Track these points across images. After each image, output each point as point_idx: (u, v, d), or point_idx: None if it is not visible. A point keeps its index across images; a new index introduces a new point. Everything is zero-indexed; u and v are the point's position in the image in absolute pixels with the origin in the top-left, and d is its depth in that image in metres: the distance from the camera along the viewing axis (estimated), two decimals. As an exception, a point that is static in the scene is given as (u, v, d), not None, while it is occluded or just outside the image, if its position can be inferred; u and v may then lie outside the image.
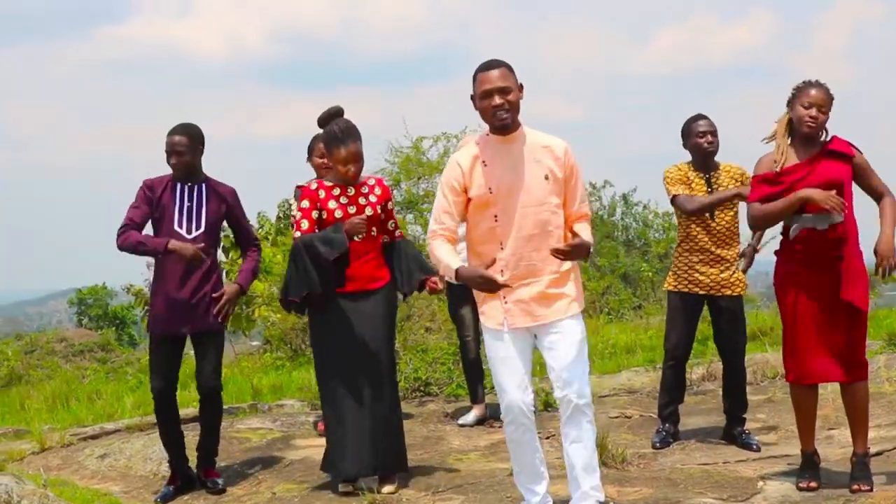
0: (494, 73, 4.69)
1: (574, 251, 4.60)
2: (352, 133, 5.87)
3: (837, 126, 5.48)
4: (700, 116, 6.61)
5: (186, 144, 6.02)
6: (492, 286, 4.57)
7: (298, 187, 6.81)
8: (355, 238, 5.81)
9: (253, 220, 15.71)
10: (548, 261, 4.74)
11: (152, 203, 6.06)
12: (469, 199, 4.79)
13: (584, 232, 4.77)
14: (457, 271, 4.63)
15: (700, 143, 6.54)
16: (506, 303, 4.76)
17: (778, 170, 5.43)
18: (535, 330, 4.80)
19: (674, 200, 6.53)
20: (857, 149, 5.45)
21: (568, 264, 4.80)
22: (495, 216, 4.75)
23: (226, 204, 6.16)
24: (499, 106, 4.67)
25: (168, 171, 6.12)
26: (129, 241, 5.96)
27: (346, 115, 5.99)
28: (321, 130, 6.04)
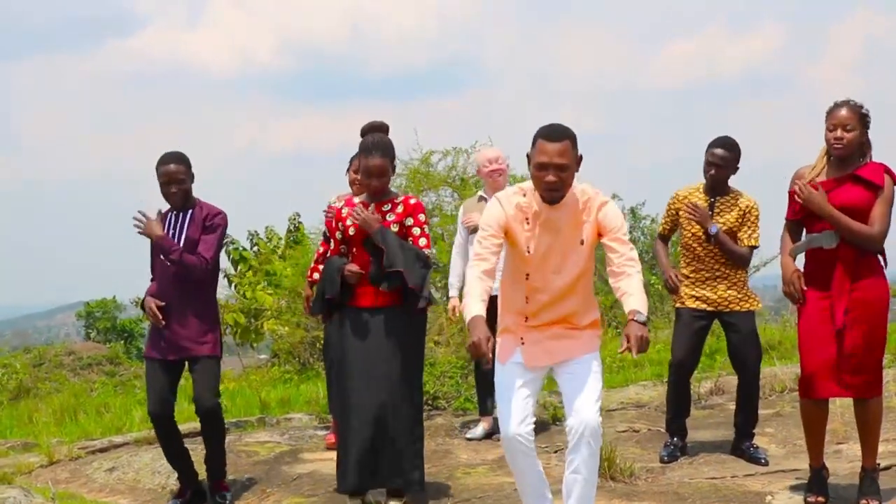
0: (555, 147, 4.55)
1: (639, 345, 4.44)
2: (380, 147, 5.85)
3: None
4: (719, 143, 6.54)
5: (185, 172, 6.10)
6: (474, 355, 4.49)
7: (329, 206, 6.88)
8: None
9: (261, 234, 15.71)
10: (569, 317, 4.76)
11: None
12: (508, 240, 4.76)
13: (633, 299, 4.58)
14: (470, 320, 4.56)
15: (705, 169, 6.57)
16: (522, 343, 4.76)
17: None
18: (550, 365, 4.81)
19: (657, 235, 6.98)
20: (890, 181, 5.40)
21: (589, 319, 4.82)
22: (527, 275, 4.74)
23: (204, 226, 6.15)
24: (551, 184, 4.57)
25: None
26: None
27: (380, 120, 6.10)
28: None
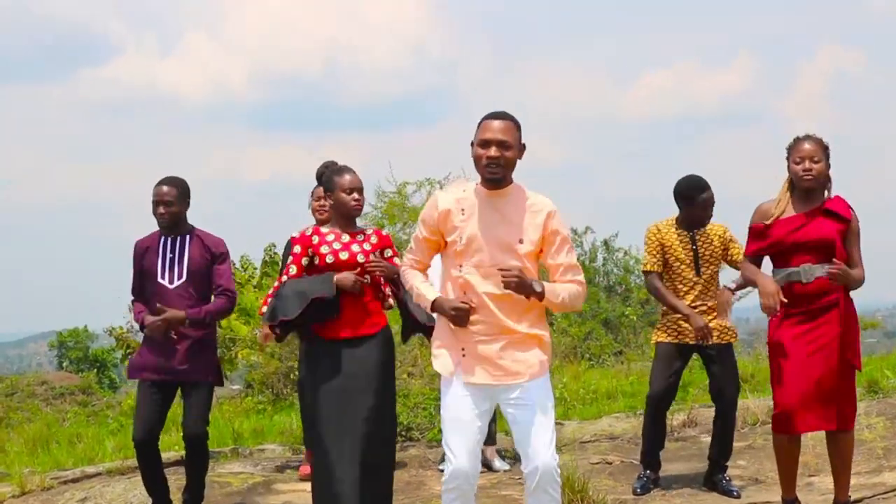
0: (498, 124, 4.49)
1: (510, 279, 4.41)
2: (351, 168, 5.91)
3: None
4: (700, 187, 6.55)
5: (175, 195, 6.09)
6: (464, 317, 4.45)
7: (291, 239, 6.76)
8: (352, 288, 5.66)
9: (237, 265, 15.69)
10: (511, 321, 4.53)
11: (139, 262, 6.17)
12: (444, 240, 4.64)
13: (554, 285, 4.56)
14: (433, 302, 4.56)
15: (696, 214, 6.58)
16: (463, 354, 4.57)
17: (768, 223, 5.48)
18: (493, 392, 4.58)
19: (645, 275, 6.74)
20: (854, 214, 5.47)
21: (536, 330, 4.58)
22: (460, 266, 4.56)
23: (210, 253, 6.16)
24: (493, 159, 4.47)
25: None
26: (138, 320, 6.17)
27: (331, 159, 6.15)
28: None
